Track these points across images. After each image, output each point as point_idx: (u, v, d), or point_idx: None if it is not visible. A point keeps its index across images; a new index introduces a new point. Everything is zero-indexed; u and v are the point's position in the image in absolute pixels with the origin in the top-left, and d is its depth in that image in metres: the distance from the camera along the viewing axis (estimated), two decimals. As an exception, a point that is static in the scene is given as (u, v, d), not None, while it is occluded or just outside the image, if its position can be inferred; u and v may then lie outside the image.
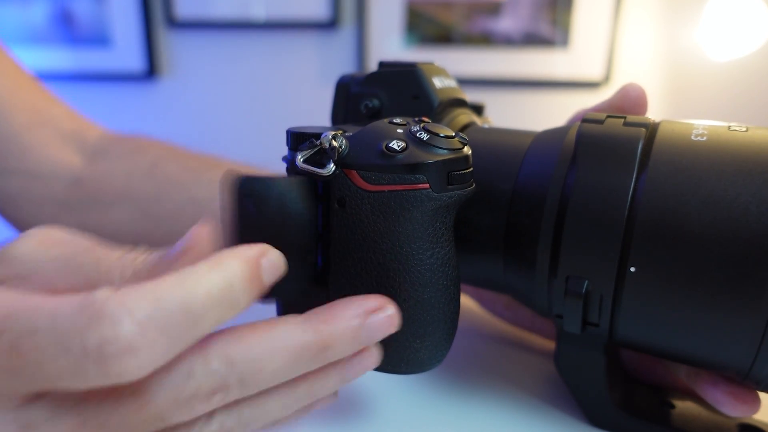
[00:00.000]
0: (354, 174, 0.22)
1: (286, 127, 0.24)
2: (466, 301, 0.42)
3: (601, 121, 0.25)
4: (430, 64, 0.30)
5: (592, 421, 0.28)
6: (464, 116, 0.31)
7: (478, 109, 0.35)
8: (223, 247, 0.18)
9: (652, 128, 0.25)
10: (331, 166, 0.22)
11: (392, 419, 0.28)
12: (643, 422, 0.26)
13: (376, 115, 0.29)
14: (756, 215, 0.20)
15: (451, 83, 0.31)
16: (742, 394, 0.24)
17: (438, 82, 0.29)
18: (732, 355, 0.22)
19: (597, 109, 0.29)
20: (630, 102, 0.28)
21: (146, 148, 0.45)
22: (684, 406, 0.28)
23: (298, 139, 0.23)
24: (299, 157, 0.22)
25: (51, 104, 0.44)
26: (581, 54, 1.13)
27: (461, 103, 0.32)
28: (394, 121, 0.23)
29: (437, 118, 0.29)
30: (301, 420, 0.28)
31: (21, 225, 0.43)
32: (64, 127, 0.43)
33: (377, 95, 0.29)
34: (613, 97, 0.29)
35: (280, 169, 0.26)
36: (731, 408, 0.24)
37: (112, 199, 0.41)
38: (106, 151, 0.44)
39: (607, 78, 1.12)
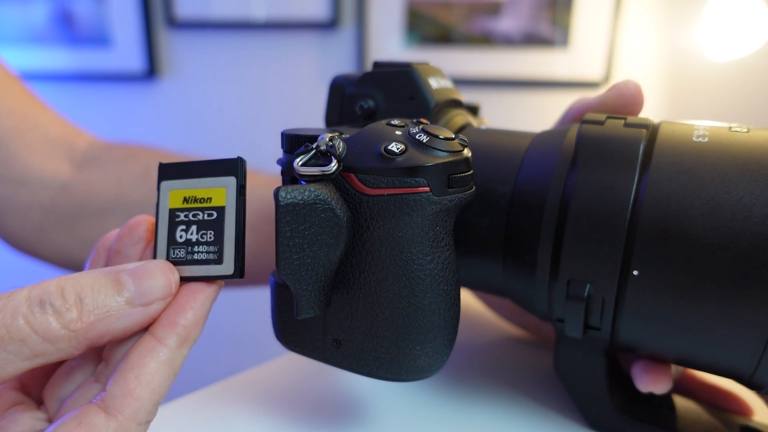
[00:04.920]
0: (352, 177, 0.21)
1: (286, 128, 0.24)
2: (467, 302, 0.42)
3: (601, 122, 0.25)
4: (426, 64, 0.29)
5: (593, 424, 0.27)
6: (461, 117, 0.31)
7: (473, 110, 0.35)
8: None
9: (652, 129, 0.24)
10: (334, 164, 0.21)
11: (391, 424, 0.28)
12: (644, 425, 0.26)
13: (371, 116, 0.29)
14: (760, 217, 0.20)
15: (447, 84, 0.30)
16: (654, 368, 0.25)
17: (434, 83, 0.29)
18: (734, 360, 0.22)
19: (589, 106, 0.29)
20: (625, 100, 0.27)
21: (138, 154, 0.45)
22: (685, 409, 0.28)
23: (292, 141, 0.23)
24: (298, 162, 0.22)
25: (39, 110, 0.43)
26: (581, 54, 1.12)
27: (457, 103, 0.31)
28: (392, 122, 0.23)
29: (434, 119, 0.28)
30: (301, 423, 0.28)
31: (6, 233, 0.43)
32: (52, 134, 0.43)
33: (372, 96, 0.29)
34: (606, 94, 0.28)
35: (278, 170, 0.26)
36: (642, 383, 0.25)
37: (103, 206, 0.41)
38: (95, 159, 0.44)
39: (607, 78, 1.12)
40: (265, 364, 0.33)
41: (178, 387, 0.33)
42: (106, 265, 0.23)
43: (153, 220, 0.23)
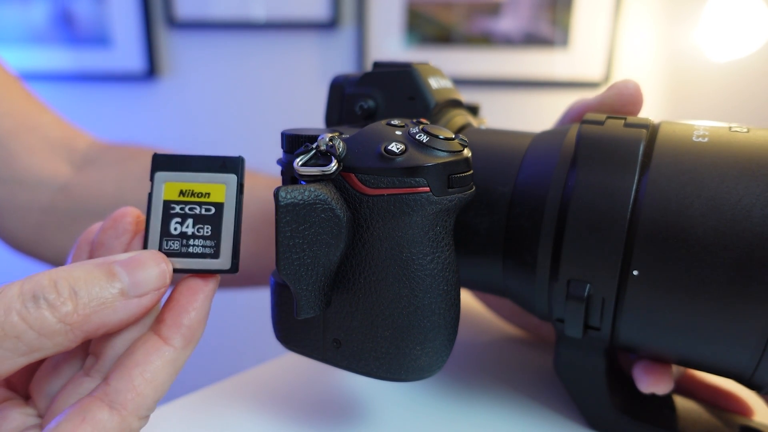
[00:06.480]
0: (352, 177, 0.21)
1: (286, 128, 0.24)
2: (467, 302, 0.42)
3: (601, 123, 0.25)
4: (426, 64, 0.29)
5: (593, 425, 0.27)
6: (461, 117, 0.31)
7: (473, 110, 0.35)
8: None
9: (652, 129, 0.24)
10: (334, 164, 0.21)
11: (391, 424, 0.28)
12: (644, 425, 0.26)
13: (371, 116, 0.29)
14: (760, 218, 0.20)
15: (447, 84, 0.30)
16: (655, 369, 0.25)
17: (434, 83, 0.29)
18: (734, 360, 0.22)
19: (588, 106, 0.29)
20: (625, 99, 0.27)
21: (138, 155, 0.45)
22: (685, 409, 0.28)
23: (292, 141, 0.23)
24: (298, 162, 0.22)
25: (39, 111, 0.43)
26: (581, 54, 1.12)
27: (457, 103, 0.31)
28: (392, 122, 0.23)
29: (434, 119, 0.28)
30: (301, 423, 0.28)
31: (5, 233, 0.43)
32: (52, 135, 0.43)
33: (372, 96, 0.29)
34: (605, 94, 0.28)
35: (278, 170, 0.26)
36: (644, 383, 0.25)
37: (103, 207, 0.41)
38: (95, 160, 0.43)
39: (607, 78, 1.12)
40: (265, 364, 0.33)
41: (177, 387, 0.33)
42: (89, 258, 0.23)
43: (138, 212, 0.23)
